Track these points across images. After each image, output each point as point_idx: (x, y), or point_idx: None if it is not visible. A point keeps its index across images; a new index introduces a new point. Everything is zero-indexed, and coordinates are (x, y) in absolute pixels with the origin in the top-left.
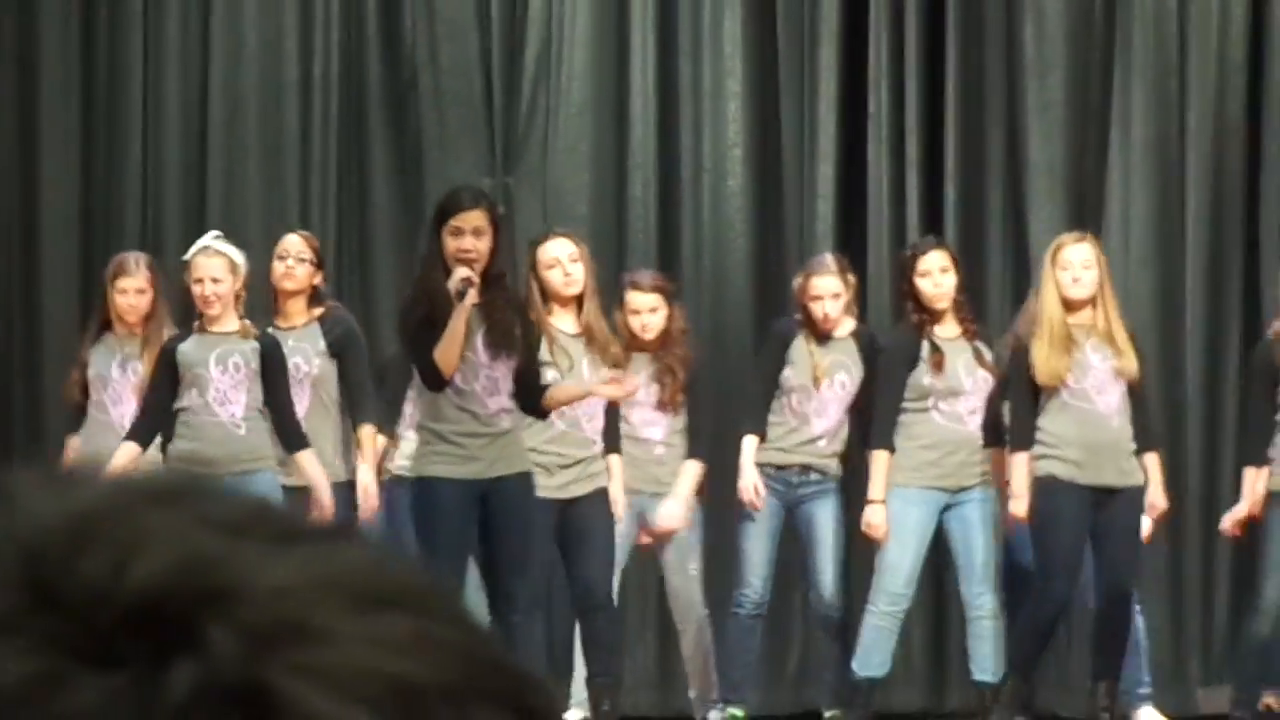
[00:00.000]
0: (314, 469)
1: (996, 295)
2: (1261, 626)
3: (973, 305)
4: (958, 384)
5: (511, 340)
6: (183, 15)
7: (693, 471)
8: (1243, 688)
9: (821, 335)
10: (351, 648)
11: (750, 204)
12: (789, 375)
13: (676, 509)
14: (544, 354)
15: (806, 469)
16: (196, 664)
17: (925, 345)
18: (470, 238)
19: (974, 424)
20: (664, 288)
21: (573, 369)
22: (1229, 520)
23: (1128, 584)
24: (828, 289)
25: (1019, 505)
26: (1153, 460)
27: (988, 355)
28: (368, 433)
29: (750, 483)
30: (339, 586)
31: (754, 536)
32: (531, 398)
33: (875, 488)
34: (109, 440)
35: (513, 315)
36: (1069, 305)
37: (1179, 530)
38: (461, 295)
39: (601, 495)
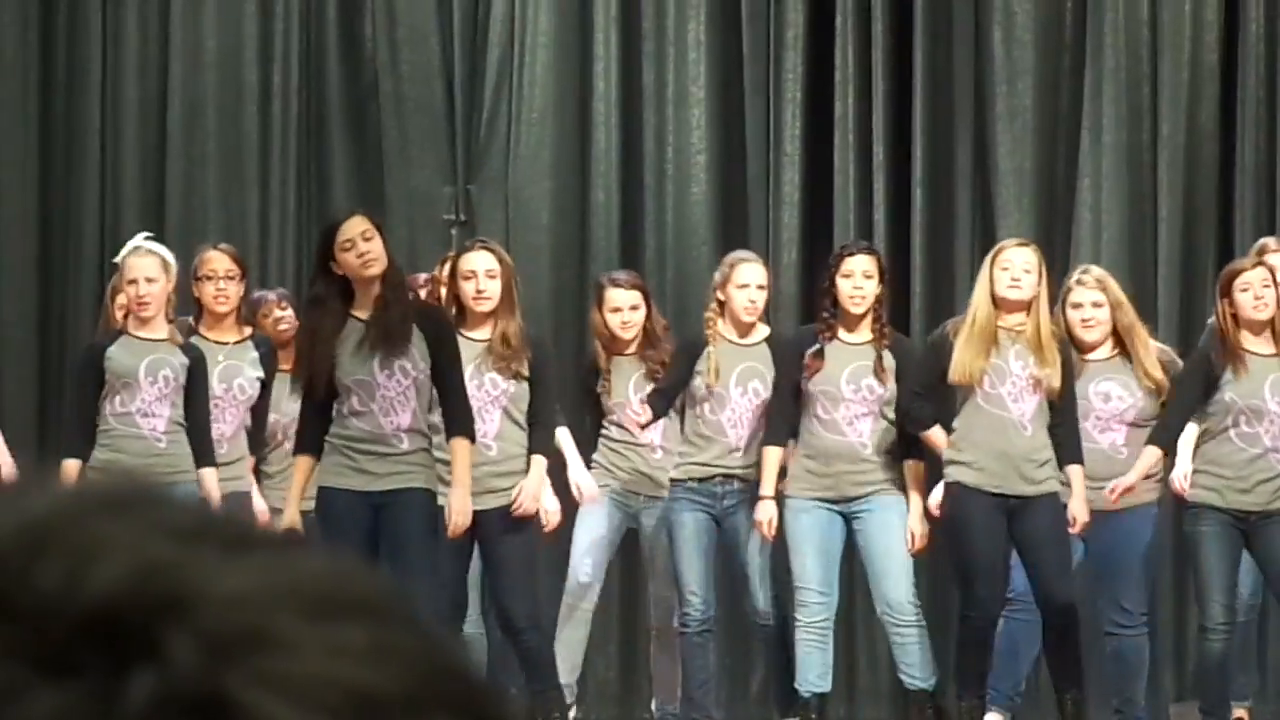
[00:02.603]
0: (214, 488)
1: (964, 301)
2: (1214, 645)
3: (939, 311)
4: (835, 390)
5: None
6: (141, 20)
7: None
8: (1210, 709)
9: (743, 329)
10: (310, 656)
11: (714, 211)
12: (697, 384)
13: None
14: None
15: (729, 479)
16: (155, 673)
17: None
18: (362, 243)
19: (854, 432)
20: (642, 286)
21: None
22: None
23: (1065, 591)
24: (754, 278)
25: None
26: (1075, 473)
27: (890, 365)
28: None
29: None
30: (297, 594)
31: (688, 554)
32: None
33: (764, 484)
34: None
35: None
36: (1001, 306)
37: (1152, 541)
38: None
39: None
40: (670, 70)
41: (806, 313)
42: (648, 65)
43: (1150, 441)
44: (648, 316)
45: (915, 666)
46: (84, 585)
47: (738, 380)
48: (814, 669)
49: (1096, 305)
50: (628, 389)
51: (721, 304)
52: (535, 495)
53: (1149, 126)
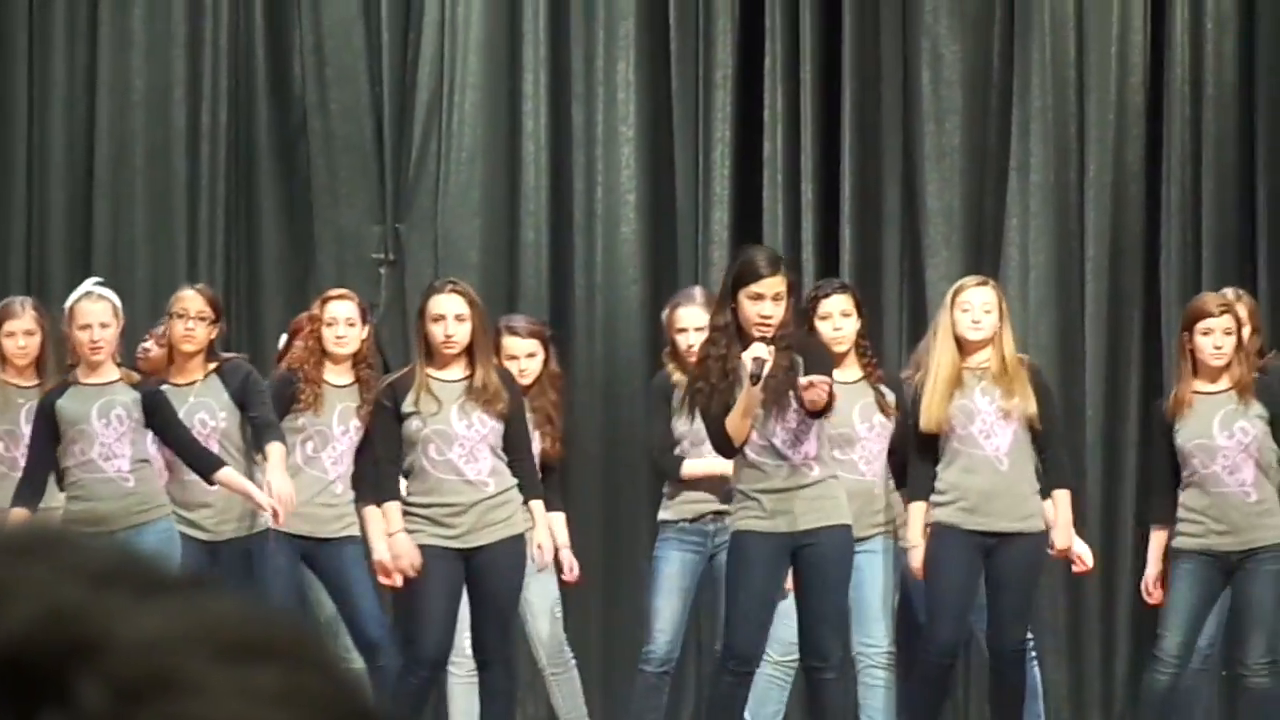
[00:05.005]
0: (238, 479)
1: (893, 340)
2: (1160, 677)
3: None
4: (850, 431)
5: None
6: (69, 59)
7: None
8: None
9: (689, 368)
10: (220, 700)
11: (644, 250)
12: (677, 425)
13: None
14: (410, 402)
15: (720, 515)
16: (64, 717)
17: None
18: (770, 304)
19: (871, 471)
20: (540, 332)
21: (439, 413)
22: (1148, 586)
23: (1016, 636)
24: (692, 321)
25: (915, 556)
26: (1058, 497)
27: (890, 399)
28: (278, 447)
29: None
30: (207, 637)
31: (666, 593)
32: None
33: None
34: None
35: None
36: (964, 348)
37: (1079, 581)
38: (755, 378)
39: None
40: (599, 110)
41: None
42: (577, 105)
43: (1153, 524)
44: (545, 362)
45: (880, 712)
46: None
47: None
48: (770, 703)
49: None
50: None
51: (674, 345)
52: (547, 545)
53: (1076, 166)
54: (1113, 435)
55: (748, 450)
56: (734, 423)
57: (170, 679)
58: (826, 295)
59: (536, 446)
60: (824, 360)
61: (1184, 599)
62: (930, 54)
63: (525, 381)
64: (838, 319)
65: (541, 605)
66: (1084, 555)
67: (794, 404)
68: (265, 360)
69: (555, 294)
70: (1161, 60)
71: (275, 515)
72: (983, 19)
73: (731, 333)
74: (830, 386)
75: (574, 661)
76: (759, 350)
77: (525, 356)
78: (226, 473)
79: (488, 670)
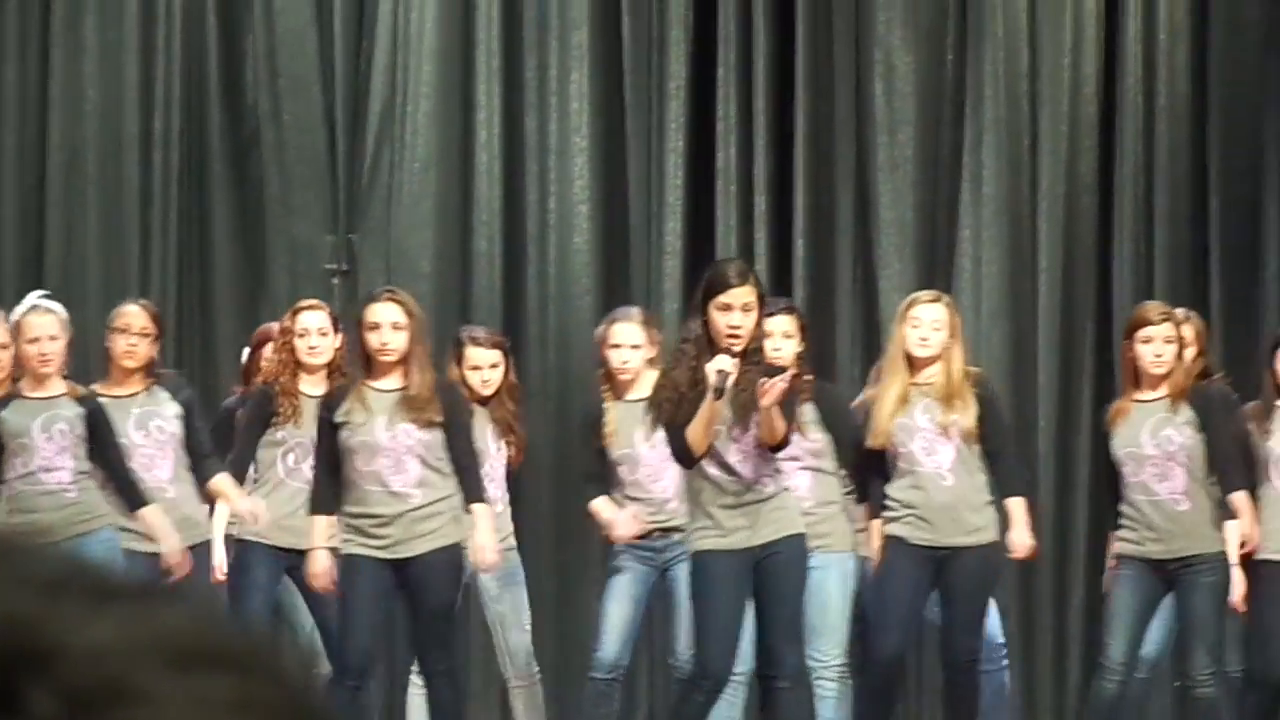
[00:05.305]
0: (160, 523)
1: (846, 352)
2: (1107, 684)
3: (821, 361)
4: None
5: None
6: (20, 66)
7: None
8: None
9: (621, 389)
10: (172, 709)
11: (596, 260)
12: (607, 450)
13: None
14: (342, 412)
15: (667, 531)
16: None
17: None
18: (739, 314)
19: (801, 486)
20: (502, 343)
21: (366, 424)
22: (1106, 585)
23: (970, 649)
24: (627, 338)
25: (876, 569)
26: (1013, 504)
27: (812, 417)
28: (226, 477)
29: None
30: (159, 646)
31: (616, 599)
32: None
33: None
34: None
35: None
36: (912, 363)
37: (1031, 589)
38: (719, 392)
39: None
40: (553, 120)
41: None
42: (530, 115)
43: (1111, 529)
44: (506, 373)
45: None
46: None
47: (644, 436)
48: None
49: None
50: (486, 438)
51: (606, 364)
52: (488, 545)
53: (1029, 178)
54: (1065, 446)
55: (704, 465)
56: (695, 433)
57: (122, 688)
58: (771, 314)
59: (502, 457)
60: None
61: (1124, 605)
62: (883, 65)
63: (487, 392)
64: (778, 339)
65: (514, 618)
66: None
67: (753, 425)
68: (217, 366)
69: (508, 304)
70: (1114, 71)
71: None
72: (936, 30)
73: (702, 344)
74: (781, 390)
75: (539, 675)
76: (723, 362)
77: (489, 367)
78: (149, 511)
79: (432, 682)
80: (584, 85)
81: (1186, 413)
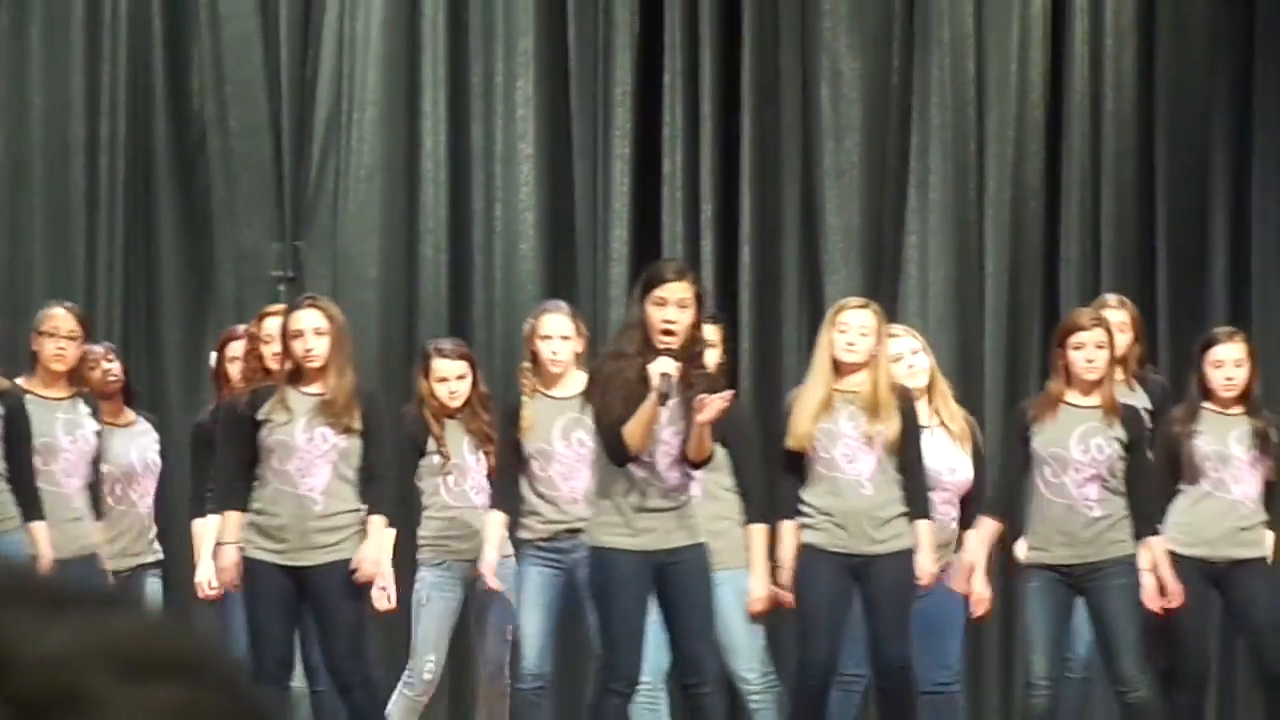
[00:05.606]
0: (41, 540)
1: (792, 357)
2: (1038, 700)
3: (767, 368)
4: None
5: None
6: None
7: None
8: None
9: (549, 382)
10: (123, 715)
11: (543, 267)
12: (522, 443)
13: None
14: (266, 410)
15: (574, 533)
16: None
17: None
18: (674, 309)
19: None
20: (468, 354)
21: (287, 424)
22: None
23: (899, 654)
24: (557, 329)
25: (783, 575)
26: (920, 528)
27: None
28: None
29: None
30: (111, 654)
31: (529, 609)
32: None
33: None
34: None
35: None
36: (839, 369)
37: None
38: (664, 397)
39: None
40: (499, 127)
41: None
42: (476, 122)
43: (984, 513)
44: (475, 384)
45: None
46: None
47: (562, 433)
48: None
49: (914, 352)
50: (463, 451)
51: (534, 355)
52: (376, 560)
53: (975, 183)
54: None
55: (630, 465)
56: (633, 432)
57: (73, 695)
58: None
59: (483, 468)
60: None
61: (1040, 618)
62: (830, 71)
63: (456, 403)
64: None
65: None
66: (983, 598)
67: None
68: (164, 371)
69: (454, 311)
70: (1061, 76)
71: None
72: (882, 36)
73: (639, 341)
74: (720, 409)
75: (509, 686)
76: (665, 365)
77: (455, 378)
78: (38, 530)
79: (349, 694)
80: (530, 92)
81: (1119, 429)
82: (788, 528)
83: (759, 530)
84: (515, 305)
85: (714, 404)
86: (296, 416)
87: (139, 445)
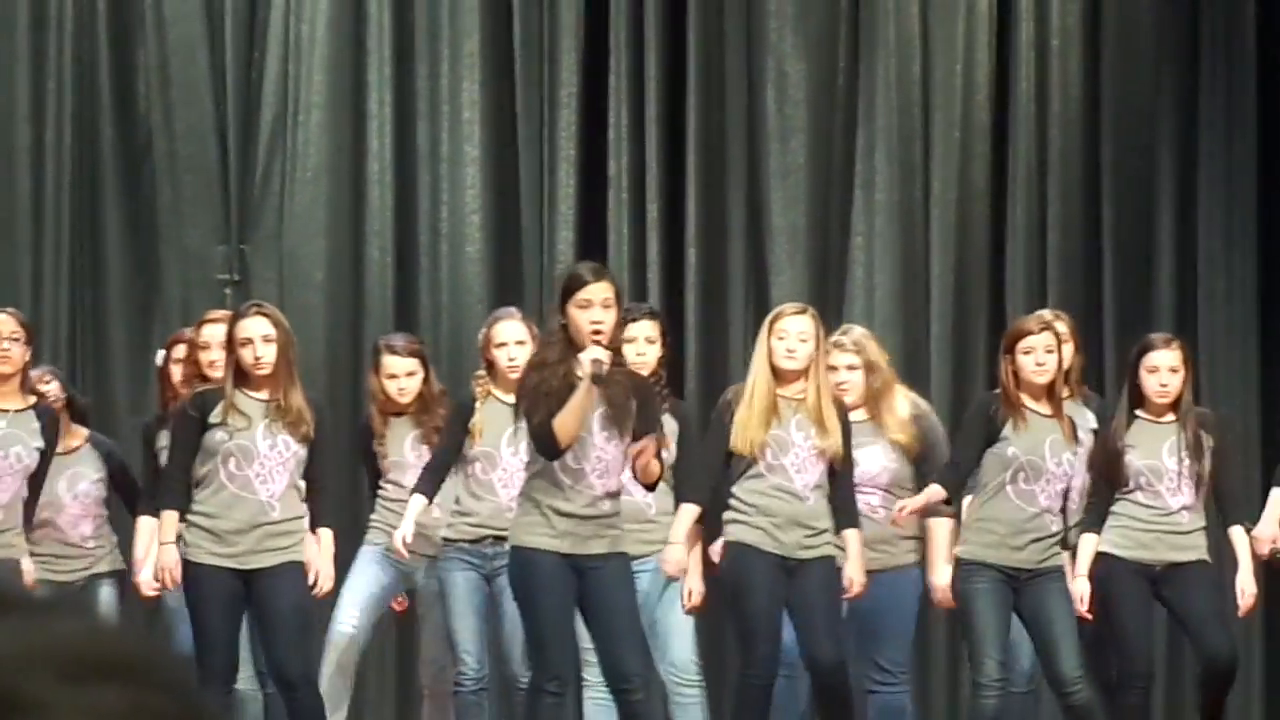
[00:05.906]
0: None
1: (738, 359)
2: (988, 702)
3: (713, 371)
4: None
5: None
6: None
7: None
8: None
9: (509, 387)
10: (66, 719)
11: (489, 269)
12: (468, 444)
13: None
14: (218, 413)
15: (500, 539)
16: None
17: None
18: (599, 309)
19: (640, 491)
20: (419, 351)
21: (247, 429)
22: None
23: (833, 652)
24: (512, 335)
25: (713, 550)
26: (852, 537)
27: (671, 428)
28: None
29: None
30: (53, 657)
31: (460, 614)
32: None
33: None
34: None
35: (629, 391)
36: (780, 376)
37: (924, 604)
38: (598, 378)
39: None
40: (444, 129)
41: None
42: (422, 124)
43: (938, 481)
44: (425, 380)
45: None
46: None
47: (509, 441)
48: None
49: (850, 369)
50: (404, 449)
51: (490, 364)
52: (331, 575)
53: (921, 185)
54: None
55: (558, 469)
56: (564, 422)
57: (14, 698)
58: (634, 319)
59: (423, 464)
60: (653, 411)
61: (987, 618)
62: (775, 72)
63: (405, 400)
64: (641, 344)
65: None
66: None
67: (617, 439)
68: (110, 375)
69: (400, 313)
70: (1007, 78)
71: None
72: (827, 38)
73: (564, 344)
74: (657, 449)
75: (454, 691)
76: (597, 353)
77: (405, 375)
78: None
79: (294, 694)
80: (475, 94)
81: (1075, 444)
82: (692, 511)
83: (688, 510)
84: (461, 307)
85: (645, 451)
86: (255, 421)
87: (69, 476)
